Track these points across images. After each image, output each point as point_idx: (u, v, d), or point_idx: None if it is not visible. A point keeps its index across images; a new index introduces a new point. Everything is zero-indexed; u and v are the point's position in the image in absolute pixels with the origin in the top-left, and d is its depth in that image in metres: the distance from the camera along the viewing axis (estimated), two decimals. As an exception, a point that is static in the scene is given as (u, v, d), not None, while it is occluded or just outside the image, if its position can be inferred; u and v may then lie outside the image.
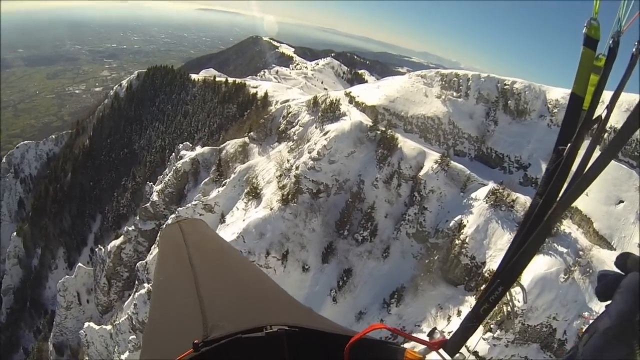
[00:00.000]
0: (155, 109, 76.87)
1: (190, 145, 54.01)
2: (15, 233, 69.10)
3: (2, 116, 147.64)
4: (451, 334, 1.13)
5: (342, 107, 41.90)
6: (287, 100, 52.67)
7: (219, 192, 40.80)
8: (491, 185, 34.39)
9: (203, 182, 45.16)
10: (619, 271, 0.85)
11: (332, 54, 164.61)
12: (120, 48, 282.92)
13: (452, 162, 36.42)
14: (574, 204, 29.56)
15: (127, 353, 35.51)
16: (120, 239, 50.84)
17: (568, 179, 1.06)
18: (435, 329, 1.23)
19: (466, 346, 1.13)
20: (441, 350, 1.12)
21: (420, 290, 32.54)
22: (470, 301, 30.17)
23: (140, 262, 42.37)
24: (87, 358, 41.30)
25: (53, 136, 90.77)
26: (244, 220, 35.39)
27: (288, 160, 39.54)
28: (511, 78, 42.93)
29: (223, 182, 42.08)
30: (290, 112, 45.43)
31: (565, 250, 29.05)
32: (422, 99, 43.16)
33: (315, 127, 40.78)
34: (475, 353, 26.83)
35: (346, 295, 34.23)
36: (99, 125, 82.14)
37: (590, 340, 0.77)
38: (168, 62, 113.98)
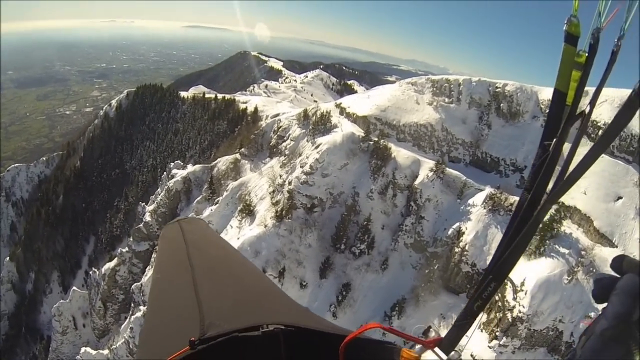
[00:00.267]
0: (146, 127, 76.62)
1: (182, 163, 53.48)
2: (8, 258, 68.39)
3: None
4: (446, 333, 1.13)
5: (333, 118, 41.50)
6: (277, 115, 52.37)
7: (212, 210, 40.12)
8: (488, 190, 34.04)
9: (195, 200, 44.51)
10: (615, 274, 0.86)
11: (321, 66, 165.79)
12: (109, 68, 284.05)
13: (447, 169, 35.98)
14: (572, 204, 29.50)
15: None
16: (115, 261, 49.99)
17: (555, 174, 1.07)
18: (430, 327, 1.17)
19: (460, 345, 1.11)
20: (436, 349, 1.10)
21: (421, 300, 31.93)
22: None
23: (136, 284, 41.55)
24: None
25: (44, 158, 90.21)
26: (238, 238, 34.64)
27: (280, 176, 38.96)
28: (502, 80, 42.73)
29: (216, 200, 41.42)
30: (280, 127, 44.99)
31: (567, 251, 28.59)
32: (414, 106, 42.83)
33: (307, 141, 40.30)
34: (481, 362, 26.42)
35: (346, 310, 33.50)
36: (89, 146, 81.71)
37: (587, 342, 0.79)
38: (158, 80, 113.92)
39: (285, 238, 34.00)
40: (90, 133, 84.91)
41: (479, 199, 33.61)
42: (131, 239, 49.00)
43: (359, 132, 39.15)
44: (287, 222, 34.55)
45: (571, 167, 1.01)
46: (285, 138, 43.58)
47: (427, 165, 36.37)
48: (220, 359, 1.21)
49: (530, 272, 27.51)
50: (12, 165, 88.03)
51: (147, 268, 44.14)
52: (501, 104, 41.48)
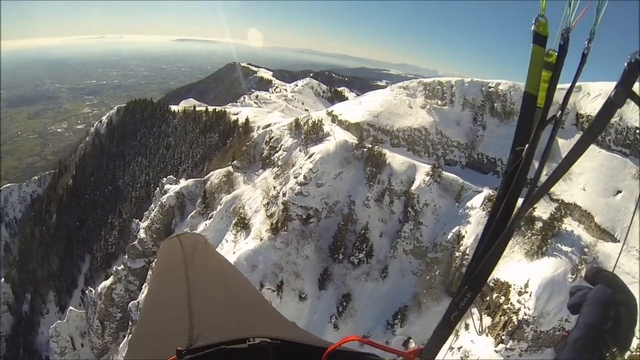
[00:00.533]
0: (137, 143, 76.05)
1: (174, 178, 52.93)
2: (3, 279, 67.60)
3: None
4: (425, 343, 1.15)
5: (325, 127, 41.15)
6: (269, 125, 51.98)
7: (206, 225, 39.53)
8: (486, 191, 33.77)
9: (190, 215, 43.94)
10: (589, 285, 0.88)
11: (311, 74, 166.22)
12: (100, 84, 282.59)
13: (443, 172, 35.65)
14: (572, 201, 29.18)
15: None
16: (110, 279, 49.40)
17: (529, 179, 1.08)
18: (409, 338, 1.19)
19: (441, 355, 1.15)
20: (417, 359, 1.14)
21: (423, 307, 31.42)
22: (477, 313, 29.00)
23: (133, 302, 41.01)
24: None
25: (36, 177, 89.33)
26: (234, 252, 34.03)
27: (274, 187, 38.47)
28: (495, 80, 42.59)
29: (210, 215, 40.84)
30: (272, 137, 44.52)
31: (569, 249, 28.31)
32: (407, 110, 42.52)
33: (300, 151, 39.85)
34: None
35: (347, 320, 32.96)
36: (81, 163, 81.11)
37: (562, 352, 0.81)
38: (148, 94, 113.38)
39: (281, 251, 33.46)
40: (81, 150, 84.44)
41: (477, 201, 33.26)
42: (126, 257, 48.46)
43: (352, 139, 38.76)
44: (283, 234, 34.02)
45: (545, 172, 1.02)
46: (277, 149, 43.13)
47: (423, 170, 35.99)
48: None
49: (533, 272, 27.18)
50: (5, 186, 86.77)
51: (144, 285, 43.61)
52: (495, 104, 41.30)
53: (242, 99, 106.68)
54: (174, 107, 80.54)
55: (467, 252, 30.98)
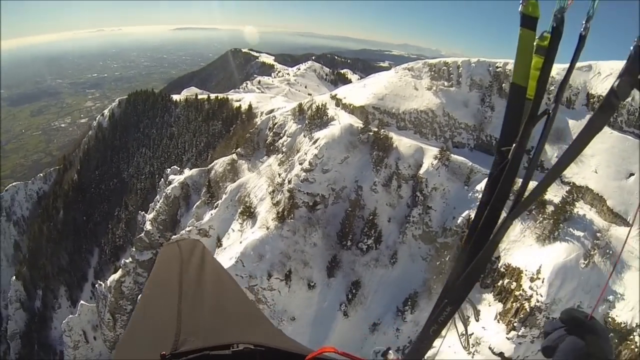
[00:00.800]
0: (140, 134, 75.74)
1: (178, 168, 52.49)
2: (14, 277, 67.93)
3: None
4: (405, 355, 1.15)
5: (329, 111, 40.32)
6: (272, 110, 51.17)
7: (212, 214, 39.08)
8: (496, 174, 32.73)
9: (195, 205, 43.48)
10: (563, 327, 0.86)
11: (313, 57, 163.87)
12: (101, 77, 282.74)
13: (452, 155, 34.83)
14: (584, 184, 28.15)
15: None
16: (119, 273, 49.52)
17: (517, 185, 0.97)
18: (389, 349, 1.18)
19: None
20: None
21: (434, 293, 30.86)
22: (488, 299, 28.77)
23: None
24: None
25: (41, 174, 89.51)
26: (240, 242, 33.65)
27: (279, 175, 37.85)
28: (502, 59, 41.17)
29: (215, 204, 40.34)
30: (276, 123, 43.75)
31: (581, 234, 27.70)
32: (412, 92, 41.39)
33: (304, 136, 39.13)
34: (501, 354, 25.46)
35: (357, 307, 32.58)
36: (85, 158, 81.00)
37: None
38: (150, 85, 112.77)
39: (289, 239, 32.98)
40: (85, 145, 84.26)
41: (486, 184, 32.40)
42: (134, 249, 48.42)
43: (357, 123, 37.91)
44: (290, 222, 33.50)
45: (535, 177, 0.93)
46: (281, 135, 42.41)
47: (430, 153, 35.18)
48: None
49: (545, 258, 26.63)
50: (10, 185, 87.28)
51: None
52: (503, 84, 39.88)
53: (244, 84, 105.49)
54: (175, 97, 79.88)
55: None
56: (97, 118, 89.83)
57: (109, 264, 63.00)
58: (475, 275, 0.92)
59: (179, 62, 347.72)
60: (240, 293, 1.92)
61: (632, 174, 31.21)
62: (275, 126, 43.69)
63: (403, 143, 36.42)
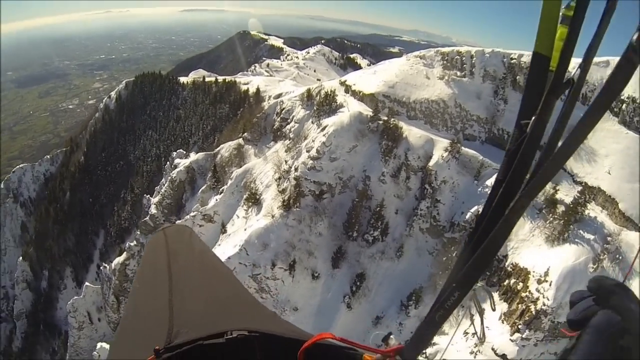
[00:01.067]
0: (147, 117, 75.31)
1: (184, 152, 52.10)
2: (21, 257, 68.52)
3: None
4: (408, 341, 1.06)
5: (338, 98, 39.49)
6: (280, 95, 50.29)
7: (217, 200, 38.74)
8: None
9: (200, 190, 43.12)
10: (591, 296, 0.82)
11: (322, 41, 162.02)
12: (109, 58, 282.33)
13: (462, 148, 33.98)
14: (596, 184, 27.12)
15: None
16: (124, 256, 49.57)
17: (534, 161, 0.90)
18: (390, 334, 1.15)
19: (424, 353, 1.08)
20: (398, 357, 1.07)
21: (439, 289, 30.18)
22: (495, 299, 28.10)
23: (146, 278, 40.84)
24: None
25: (48, 156, 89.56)
26: (245, 229, 33.26)
27: (286, 161, 37.23)
28: (517, 51, 39.81)
29: (220, 190, 39.94)
30: (283, 108, 43.02)
31: (592, 236, 27.03)
32: (424, 81, 40.28)
33: (312, 123, 38.40)
34: (503, 356, 25.14)
35: (361, 300, 32.23)
36: (92, 140, 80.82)
37: None
38: (158, 66, 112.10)
39: (294, 228, 32.54)
40: (91, 127, 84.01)
41: (496, 180, 31.59)
42: (139, 232, 48.43)
43: (366, 111, 37.05)
44: (296, 211, 33.00)
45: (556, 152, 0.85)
46: (289, 120, 41.73)
47: (441, 145, 34.34)
48: None
49: (554, 260, 26.01)
50: (17, 166, 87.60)
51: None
52: (517, 77, 38.59)
53: (253, 67, 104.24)
54: (183, 79, 79.04)
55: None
56: (104, 100, 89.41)
57: (114, 246, 63.17)
58: (487, 258, 0.86)
59: (187, 44, 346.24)
60: (231, 278, 1.89)
61: (646, 177, 30.15)
62: (283, 111, 42.96)
63: (413, 133, 35.58)
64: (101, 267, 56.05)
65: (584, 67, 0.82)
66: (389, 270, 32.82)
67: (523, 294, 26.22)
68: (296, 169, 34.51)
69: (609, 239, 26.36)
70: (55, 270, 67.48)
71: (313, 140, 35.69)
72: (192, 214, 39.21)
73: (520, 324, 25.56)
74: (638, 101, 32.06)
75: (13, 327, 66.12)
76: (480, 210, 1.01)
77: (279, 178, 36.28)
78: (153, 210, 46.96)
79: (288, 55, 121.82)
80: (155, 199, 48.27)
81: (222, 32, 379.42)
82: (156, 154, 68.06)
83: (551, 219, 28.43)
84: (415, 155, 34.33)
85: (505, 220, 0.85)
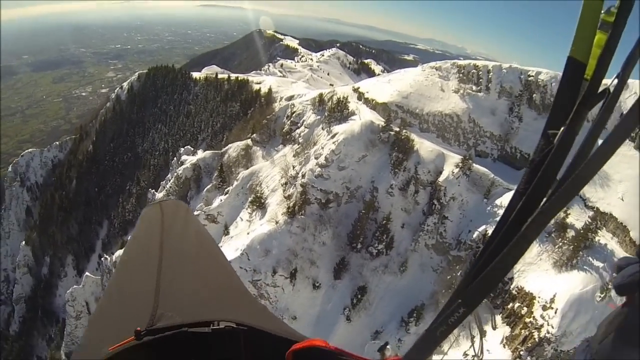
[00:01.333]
0: (157, 110, 75.26)
1: (192, 149, 51.85)
2: (24, 242, 68.64)
3: (11, 122, 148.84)
4: (405, 354, 0.94)
5: (350, 105, 38.99)
6: (292, 97, 49.83)
7: (221, 200, 38.34)
8: (519, 190, 31.17)
9: (205, 189, 42.72)
10: (639, 262, 0.79)
11: (337, 44, 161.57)
12: (124, 48, 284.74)
13: (474, 165, 33.31)
14: (608, 211, 26.21)
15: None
16: (125, 248, 49.43)
17: (559, 175, 0.83)
18: (387, 343, 1.07)
19: None
20: None
21: (441, 307, 29.62)
22: (497, 321, 27.41)
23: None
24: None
25: (57, 143, 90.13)
26: (248, 233, 32.85)
27: (293, 167, 36.74)
28: (535, 68, 39.17)
29: (226, 190, 39.54)
30: (294, 112, 42.54)
31: (601, 264, 26.18)
32: (439, 93, 39.69)
33: (322, 129, 37.91)
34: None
35: (361, 313, 31.67)
36: (101, 129, 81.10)
37: (607, 340, 0.74)
38: (173, 59, 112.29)
39: (297, 236, 32.04)
40: (102, 116, 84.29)
41: (507, 199, 30.78)
42: (142, 226, 48.17)
43: (378, 120, 36.53)
44: (300, 218, 32.51)
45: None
46: (299, 124, 41.25)
47: (452, 160, 33.71)
48: (168, 352, 1.15)
49: (561, 286, 25.23)
50: (26, 151, 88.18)
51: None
52: (534, 95, 37.93)
53: (266, 66, 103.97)
54: (195, 74, 78.77)
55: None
56: (115, 90, 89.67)
57: (117, 237, 62.92)
58: (498, 275, 0.78)
59: (202, 38, 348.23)
60: (225, 263, 1.80)
61: (660, 207, 29.23)
62: (294, 115, 42.50)
63: (424, 147, 34.99)
64: (102, 258, 56.00)
65: (622, 78, 0.76)
66: (391, 284, 32.24)
67: (527, 319, 25.54)
68: (303, 176, 34.04)
69: (618, 268, 25.58)
70: (56, 257, 67.45)
71: (322, 147, 35.20)
72: (195, 212, 38.88)
73: (522, 350, 24.86)
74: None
75: (12, 310, 66.27)
76: (489, 230, 0.86)
77: (286, 183, 35.84)
78: (157, 205, 46.81)
79: (302, 56, 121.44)
80: (160, 194, 48.04)
81: (238, 29, 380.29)
82: (164, 148, 67.93)
83: (560, 243, 27.71)
84: (426, 170, 33.74)
85: (521, 237, 0.77)
